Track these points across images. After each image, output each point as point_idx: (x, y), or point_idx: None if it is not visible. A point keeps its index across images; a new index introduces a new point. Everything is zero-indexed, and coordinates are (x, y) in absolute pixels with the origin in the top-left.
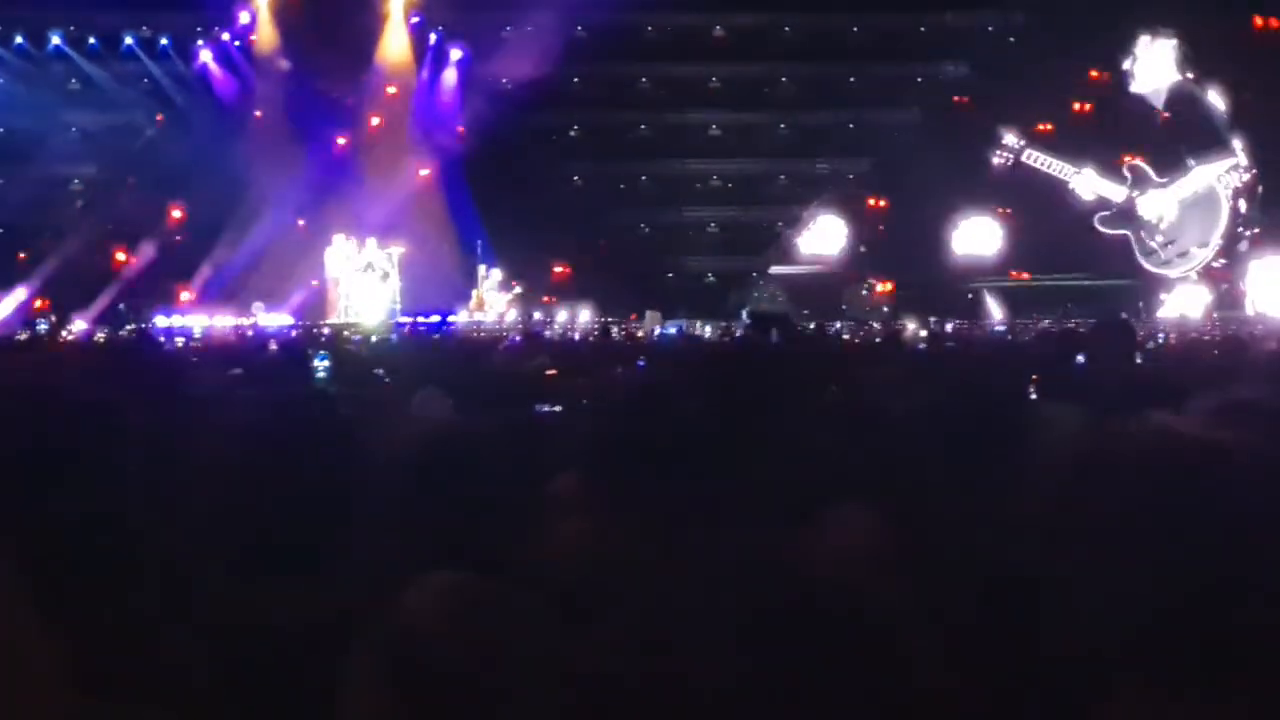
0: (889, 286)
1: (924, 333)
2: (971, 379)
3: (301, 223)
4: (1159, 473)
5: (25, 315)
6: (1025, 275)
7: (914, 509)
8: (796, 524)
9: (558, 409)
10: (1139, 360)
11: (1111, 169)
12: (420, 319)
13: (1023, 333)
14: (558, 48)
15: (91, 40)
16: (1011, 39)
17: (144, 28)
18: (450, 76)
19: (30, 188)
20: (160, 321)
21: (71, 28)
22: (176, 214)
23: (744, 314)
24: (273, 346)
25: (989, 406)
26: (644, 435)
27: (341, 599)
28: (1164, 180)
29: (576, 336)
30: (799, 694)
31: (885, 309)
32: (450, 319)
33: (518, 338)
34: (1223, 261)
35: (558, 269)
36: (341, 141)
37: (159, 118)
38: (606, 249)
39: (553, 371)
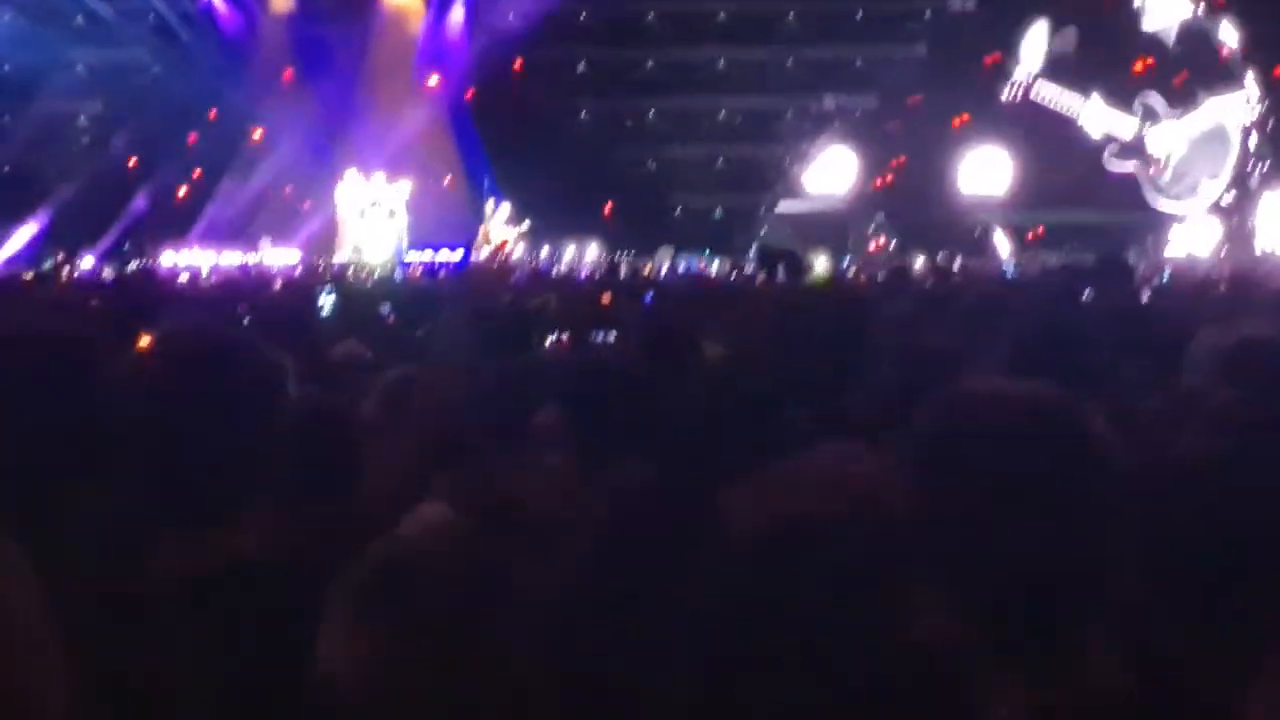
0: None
1: (930, 269)
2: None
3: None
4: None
5: (34, 252)
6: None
7: None
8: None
9: (612, 336)
10: (1144, 298)
11: (1121, 103)
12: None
13: (1029, 269)
14: None
15: None
16: None
17: None
18: (458, 12)
19: (36, 125)
20: (166, 258)
21: None
22: (182, 151)
23: (752, 250)
24: (278, 285)
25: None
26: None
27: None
28: (1174, 115)
29: (584, 273)
30: None
31: (891, 246)
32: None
33: (524, 275)
34: (1232, 197)
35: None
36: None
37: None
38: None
39: (608, 298)
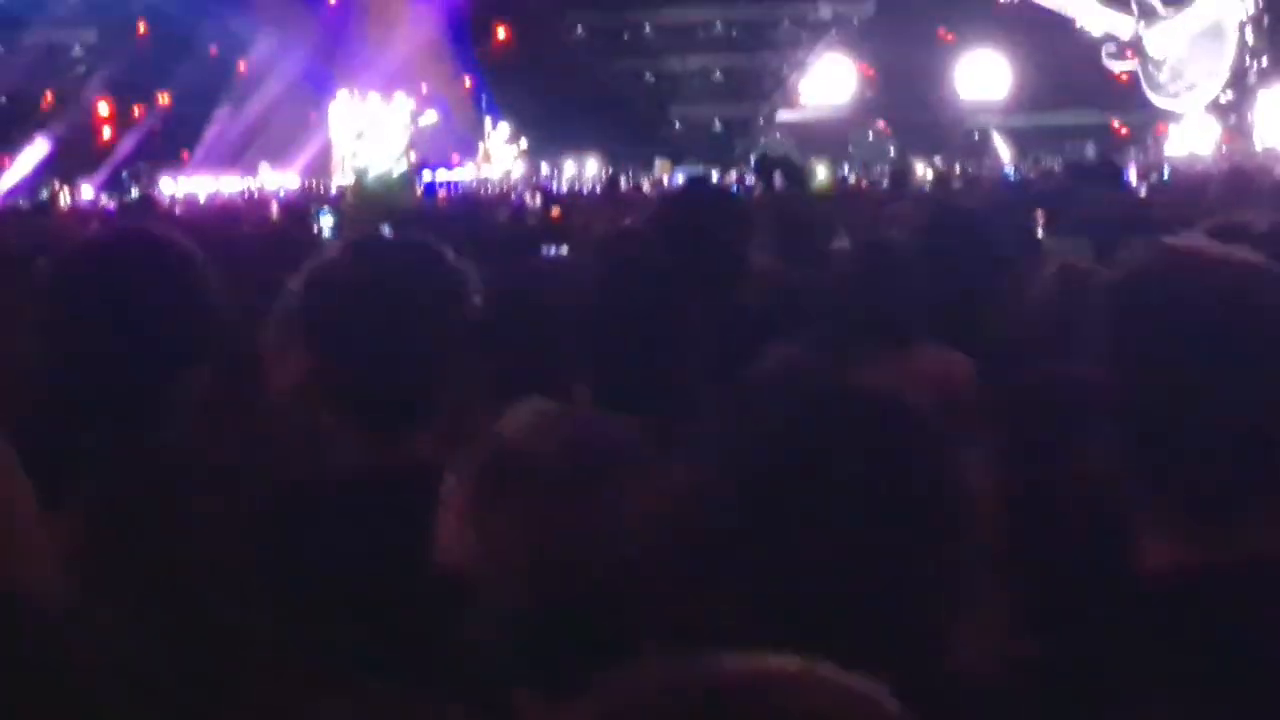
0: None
1: (930, 175)
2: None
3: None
4: None
5: (34, 182)
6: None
7: None
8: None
9: (564, 250)
10: (1141, 193)
11: (1117, 2)
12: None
13: (1030, 172)
14: None
15: None
16: None
17: None
18: None
19: (32, 54)
20: (165, 186)
21: None
22: (178, 78)
23: (751, 159)
24: (274, 209)
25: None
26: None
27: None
28: (1171, 12)
29: (584, 188)
30: None
31: (890, 151)
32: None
33: (524, 194)
34: (1230, 94)
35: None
36: None
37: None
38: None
39: (557, 212)
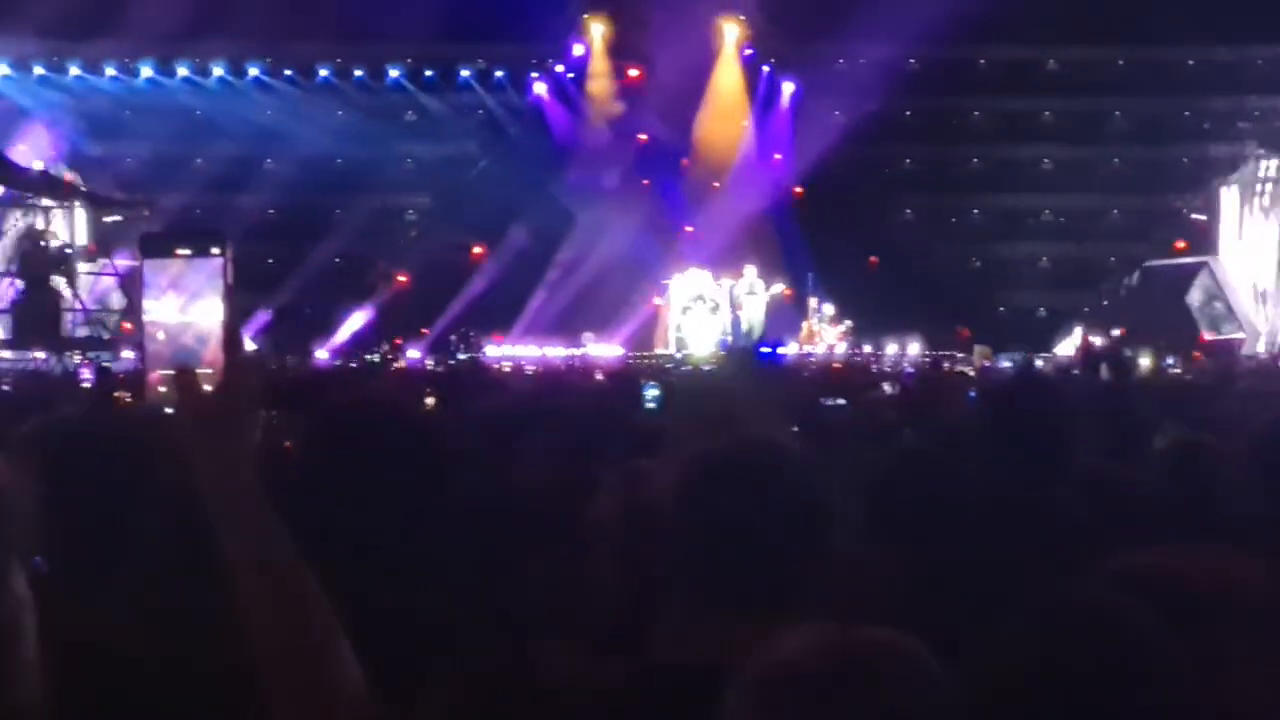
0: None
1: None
2: None
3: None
4: None
5: (360, 342)
6: None
7: None
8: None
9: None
10: None
11: None
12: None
13: None
14: (890, 81)
15: (428, 73)
16: None
17: (479, 60)
18: (783, 110)
19: (367, 217)
20: (490, 352)
21: (409, 61)
22: (507, 246)
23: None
24: (599, 376)
25: None
26: None
27: None
28: None
29: (907, 369)
30: None
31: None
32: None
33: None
34: None
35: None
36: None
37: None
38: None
39: (839, 365)
